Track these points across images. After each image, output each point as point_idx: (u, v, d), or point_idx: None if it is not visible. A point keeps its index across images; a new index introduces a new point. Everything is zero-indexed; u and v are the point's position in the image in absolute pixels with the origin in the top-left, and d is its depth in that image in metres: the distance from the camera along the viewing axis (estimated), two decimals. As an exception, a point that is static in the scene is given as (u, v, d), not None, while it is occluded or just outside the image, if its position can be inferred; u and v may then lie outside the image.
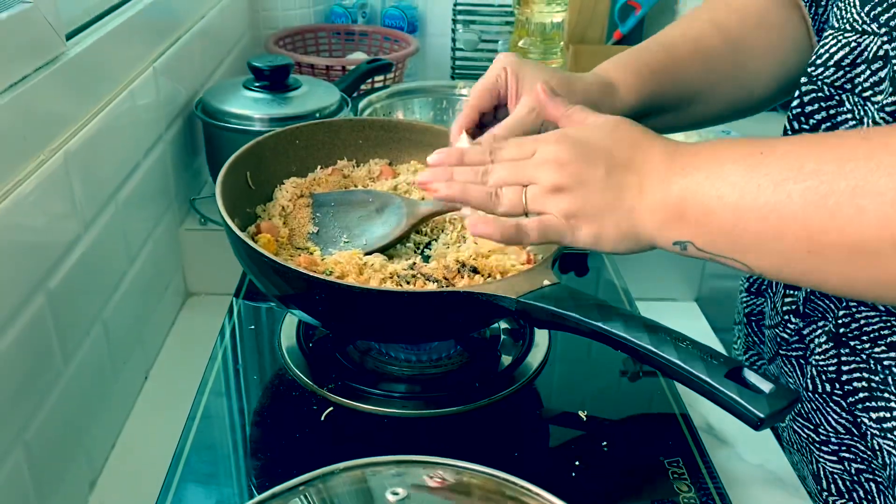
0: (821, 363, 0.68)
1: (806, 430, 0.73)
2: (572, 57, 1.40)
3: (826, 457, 0.71)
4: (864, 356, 0.65)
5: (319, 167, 0.82)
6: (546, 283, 0.60)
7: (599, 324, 0.56)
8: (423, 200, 0.77)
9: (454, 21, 1.42)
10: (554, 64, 1.21)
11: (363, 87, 1.22)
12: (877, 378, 0.65)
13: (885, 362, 0.63)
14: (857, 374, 0.66)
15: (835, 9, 0.66)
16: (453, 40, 1.43)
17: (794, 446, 0.76)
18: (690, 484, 0.62)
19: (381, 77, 1.27)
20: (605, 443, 0.66)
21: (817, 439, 0.71)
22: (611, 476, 0.64)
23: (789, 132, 0.70)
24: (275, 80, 1.00)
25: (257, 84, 1.00)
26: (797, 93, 0.69)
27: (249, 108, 0.97)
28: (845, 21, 0.64)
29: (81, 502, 0.72)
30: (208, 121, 0.97)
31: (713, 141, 0.55)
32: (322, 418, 0.67)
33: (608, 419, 0.70)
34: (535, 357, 0.76)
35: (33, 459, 0.62)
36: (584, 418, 0.68)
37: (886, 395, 0.64)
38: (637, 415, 0.72)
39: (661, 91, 0.74)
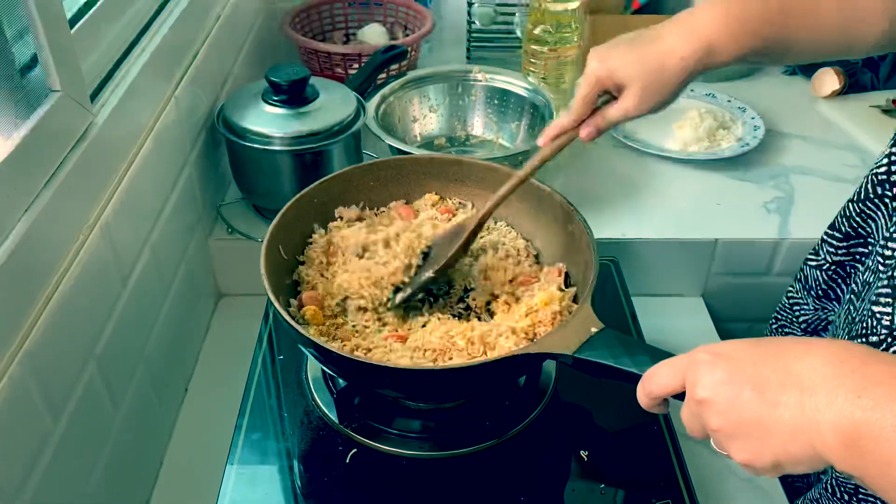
0: (840, 477, 0.74)
1: None
2: (590, 27, 1.38)
3: None
4: None
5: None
6: (594, 329, 0.65)
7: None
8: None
9: (470, -6, 1.41)
10: (570, 51, 1.21)
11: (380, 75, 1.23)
12: None
13: None
14: (872, 499, 0.72)
15: None
16: (469, 14, 1.42)
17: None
18: (678, 529, 0.69)
19: (396, 64, 1.27)
20: (602, 486, 0.73)
21: None
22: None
23: None
24: (293, 93, 1.02)
25: (275, 98, 1.02)
26: None
27: (270, 125, 1.00)
28: None
29: (137, 524, 0.80)
30: (231, 138, 1.01)
31: None
32: (347, 460, 0.74)
33: (607, 459, 0.76)
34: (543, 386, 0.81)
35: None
36: (585, 458, 0.75)
37: None
38: (635, 452, 0.77)
39: (761, 45, 0.73)
